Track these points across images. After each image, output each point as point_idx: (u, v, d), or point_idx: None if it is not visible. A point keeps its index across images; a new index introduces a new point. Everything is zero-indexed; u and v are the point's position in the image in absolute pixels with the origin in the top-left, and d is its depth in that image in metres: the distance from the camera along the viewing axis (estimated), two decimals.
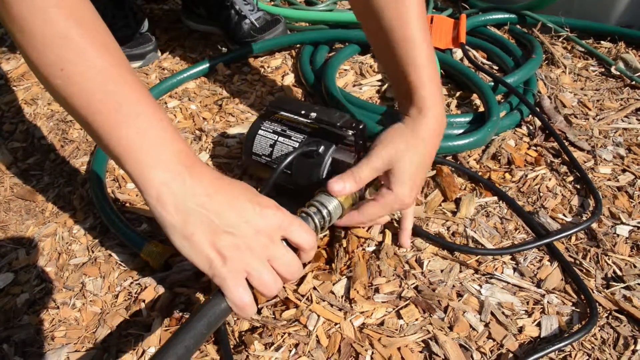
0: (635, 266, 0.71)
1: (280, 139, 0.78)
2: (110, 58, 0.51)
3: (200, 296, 0.70)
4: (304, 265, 0.71)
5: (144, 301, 0.70)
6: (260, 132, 0.80)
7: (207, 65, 1.18)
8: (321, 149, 0.73)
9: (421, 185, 0.69)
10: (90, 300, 0.72)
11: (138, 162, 0.51)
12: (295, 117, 0.79)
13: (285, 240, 0.56)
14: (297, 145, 0.76)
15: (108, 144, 0.51)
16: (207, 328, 0.51)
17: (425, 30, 0.67)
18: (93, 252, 0.79)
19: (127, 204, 0.86)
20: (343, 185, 0.64)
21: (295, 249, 0.57)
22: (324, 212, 0.63)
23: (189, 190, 0.51)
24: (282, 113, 0.81)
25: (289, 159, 0.72)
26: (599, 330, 0.63)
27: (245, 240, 0.52)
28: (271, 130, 0.79)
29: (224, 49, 1.30)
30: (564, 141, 0.91)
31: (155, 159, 0.51)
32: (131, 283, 0.74)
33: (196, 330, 0.50)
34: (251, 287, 0.53)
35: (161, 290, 0.71)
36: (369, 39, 0.75)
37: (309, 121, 0.77)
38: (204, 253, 0.51)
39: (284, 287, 0.69)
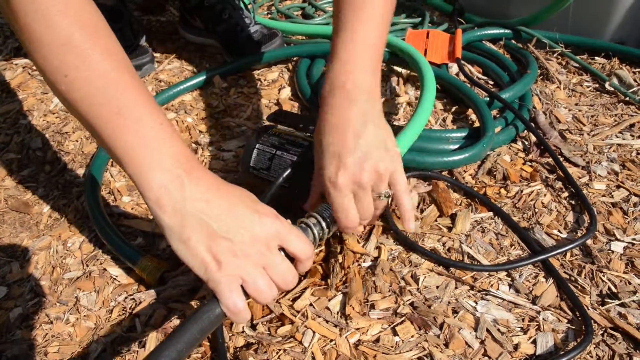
0: (630, 283, 0.71)
1: (279, 152, 0.78)
2: (112, 62, 0.52)
3: None
4: (304, 276, 0.72)
5: (138, 316, 0.70)
6: (258, 145, 0.80)
7: (204, 77, 1.18)
8: None
9: (346, 152, 0.62)
10: (85, 315, 0.71)
11: (137, 165, 0.52)
12: (294, 130, 0.79)
13: (283, 249, 0.56)
14: (295, 158, 0.76)
15: (109, 147, 0.52)
16: (200, 333, 0.51)
17: (378, 12, 0.67)
18: (87, 266, 0.78)
19: (123, 218, 0.86)
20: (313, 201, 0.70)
21: (292, 259, 0.57)
22: (324, 223, 0.63)
23: (188, 194, 0.52)
24: (281, 126, 0.81)
25: (288, 171, 0.72)
26: (595, 348, 0.63)
27: (241, 246, 0.52)
28: (269, 144, 0.79)
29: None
30: (559, 157, 0.92)
31: (154, 162, 0.52)
32: (126, 298, 0.73)
33: (189, 334, 0.50)
34: (246, 294, 0.53)
35: (156, 305, 0.71)
36: None
37: (308, 134, 0.77)
38: (199, 257, 0.52)
39: (279, 303, 0.69)
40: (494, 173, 0.89)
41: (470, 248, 0.76)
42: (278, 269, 0.54)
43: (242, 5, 1.28)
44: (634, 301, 0.68)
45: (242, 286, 0.53)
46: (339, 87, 0.65)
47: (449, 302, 0.69)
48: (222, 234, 0.52)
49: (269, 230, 0.54)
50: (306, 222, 0.63)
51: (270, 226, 0.54)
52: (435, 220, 0.82)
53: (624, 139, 0.97)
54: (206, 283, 0.52)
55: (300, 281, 0.72)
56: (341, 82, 0.65)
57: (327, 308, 0.69)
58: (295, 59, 1.26)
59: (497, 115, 1.02)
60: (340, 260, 0.74)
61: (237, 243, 0.52)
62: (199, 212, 0.52)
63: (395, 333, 0.65)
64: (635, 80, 1.11)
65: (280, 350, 0.64)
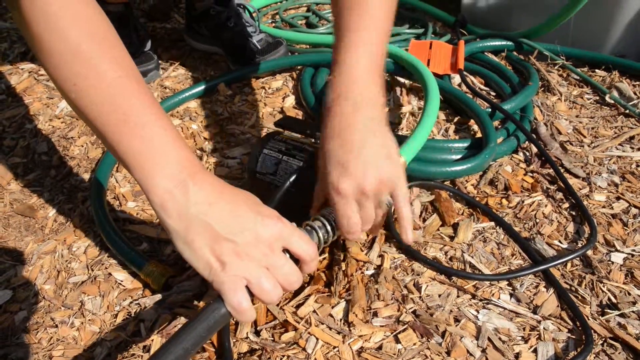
0: (629, 294, 0.72)
1: (285, 157, 0.79)
2: (119, 70, 0.54)
3: None
4: (308, 283, 0.72)
5: (143, 321, 0.71)
6: (265, 150, 0.81)
7: (209, 85, 1.19)
8: None
9: (353, 164, 0.62)
10: (89, 320, 0.72)
11: (143, 171, 0.54)
12: (301, 136, 0.80)
13: (287, 251, 0.56)
14: (301, 163, 0.77)
15: (117, 152, 0.54)
16: (206, 331, 0.52)
17: (379, 18, 0.68)
18: (93, 270, 0.79)
19: (128, 223, 0.87)
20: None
21: (297, 260, 0.57)
22: (329, 227, 0.64)
23: (192, 198, 0.53)
24: (287, 132, 0.82)
25: (294, 176, 0.73)
26: (594, 358, 0.64)
27: (245, 247, 0.53)
28: (276, 149, 0.80)
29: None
30: (560, 168, 0.93)
31: (159, 167, 0.54)
32: (130, 303, 0.74)
33: (195, 333, 0.52)
34: (251, 294, 0.54)
35: (161, 310, 0.72)
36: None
37: (314, 140, 0.78)
38: (204, 259, 0.53)
39: (282, 310, 0.70)
40: (496, 183, 0.90)
41: (472, 257, 0.77)
42: (282, 270, 0.55)
43: (247, 13, 1.30)
44: (633, 312, 0.69)
45: (247, 287, 0.53)
46: (344, 95, 0.66)
47: (451, 311, 0.70)
48: (226, 236, 0.53)
49: (271, 232, 0.55)
50: (311, 224, 0.63)
51: (273, 227, 0.55)
52: (438, 230, 0.82)
53: (624, 151, 0.98)
54: (211, 284, 0.53)
55: (303, 288, 0.73)
56: (346, 90, 0.66)
57: (331, 315, 0.69)
58: (299, 67, 1.27)
59: (499, 126, 1.03)
60: (343, 268, 0.75)
61: (240, 244, 0.53)
62: (203, 215, 0.53)
63: (397, 341, 0.66)
64: (635, 93, 1.12)
65: (283, 356, 0.64)
